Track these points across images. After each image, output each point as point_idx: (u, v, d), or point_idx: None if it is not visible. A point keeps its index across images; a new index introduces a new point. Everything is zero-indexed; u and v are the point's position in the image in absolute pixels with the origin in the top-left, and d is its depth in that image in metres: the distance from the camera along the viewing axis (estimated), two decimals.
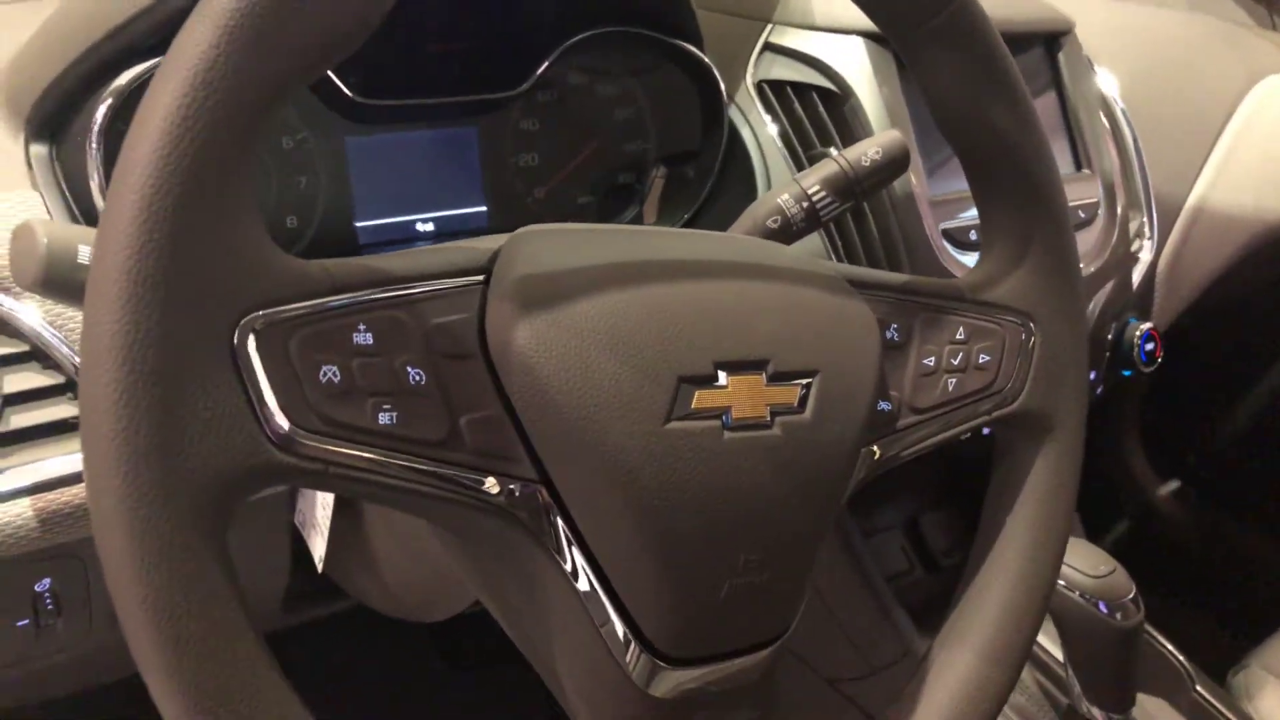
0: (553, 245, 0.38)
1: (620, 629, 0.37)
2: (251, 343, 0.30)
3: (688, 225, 0.71)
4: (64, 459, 0.48)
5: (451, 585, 0.55)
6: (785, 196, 0.53)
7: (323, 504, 0.56)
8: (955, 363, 0.48)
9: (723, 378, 0.38)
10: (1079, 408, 0.50)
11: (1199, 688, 0.84)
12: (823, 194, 0.53)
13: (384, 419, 0.33)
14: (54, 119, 0.54)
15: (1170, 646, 0.86)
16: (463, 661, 1.14)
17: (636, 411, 0.36)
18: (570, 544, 0.36)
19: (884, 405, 0.45)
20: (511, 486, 0.35)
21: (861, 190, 0.54)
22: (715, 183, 0.71)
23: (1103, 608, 0.66)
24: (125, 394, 0.28)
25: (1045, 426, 0.50)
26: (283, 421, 0.31)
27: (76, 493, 0.49)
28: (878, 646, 0.81)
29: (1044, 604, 0.50)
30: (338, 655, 1.03)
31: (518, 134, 0.67)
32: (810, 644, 0.84)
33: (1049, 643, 0.79)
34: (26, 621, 0.53)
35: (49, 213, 0.51)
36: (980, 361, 0.48)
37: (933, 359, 0.47)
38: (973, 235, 0.72)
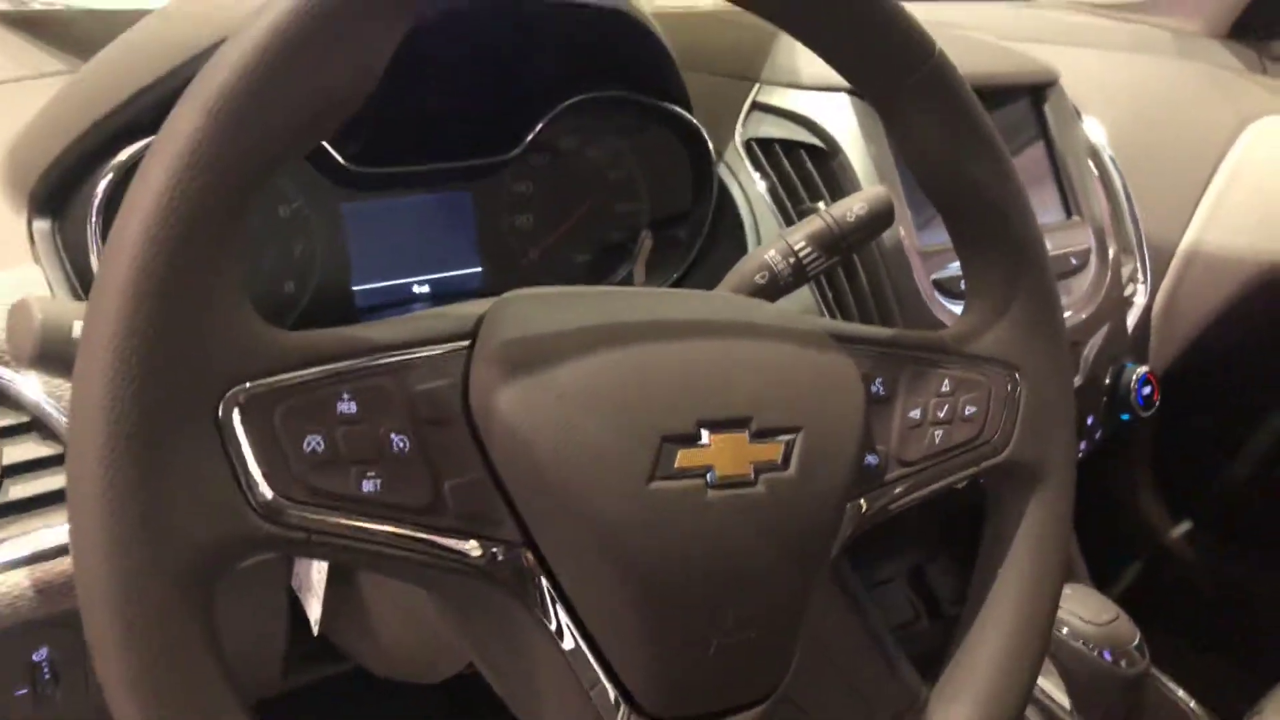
0: (536, 309, 0.39)
1: (610, 690, 0.38)
2: (236, 416, 0.31)
3: (678, 282, 0.72)
4: (62, 529, 0.49)
5: (446, 646, 0.55)
6: (772, 252, 0.54)
7: (317, 568, 0.56)
8: (941, 415, 0.48)
9: (705, 436, 0.38)
10: (1068, 456, 0.51)
11: None
12: (809, 249, 0.54)
13: (368, 486, 0.33)
14: (57, 194, 0.55)
15: (1181, 692, 0.85)
16: None
17: (619, 472, 0.36)
18: (555, 604, 0.37)
19: (871, 459, 0.46)
20: (494, 549, 0.36)
21: (847, 245, 0.55)
22: (706, 239, 0.72)
23: (1107, 655, 0.65)
24: (111, 468, 0.29)
25: (1035, 476, 0.50)
26: (267, 492, 0.31)
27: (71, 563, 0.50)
28: (883, 699, 0.80)
29: (1041, 652, 0.49)
30: (342, 717, 1.02)
31: (512, 196, 0.68)
32: (814, 698, 0.83)
33: (1056, 691, 0.78)
34: (25, 690, 0.53)
35: (50, 287, 0.52)
36: (966, 413, 0.49)
37: (919, 411, 0.47)
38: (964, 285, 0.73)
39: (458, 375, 0.36)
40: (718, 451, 0.38)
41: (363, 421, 0.34)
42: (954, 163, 0.46)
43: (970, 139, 0.47)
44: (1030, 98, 0.82)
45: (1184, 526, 1.34)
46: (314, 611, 0.58)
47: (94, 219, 0.52)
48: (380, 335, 0.35)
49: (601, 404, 0.37)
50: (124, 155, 0.53)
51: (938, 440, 0.48)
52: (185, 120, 0.31)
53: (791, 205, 0.72)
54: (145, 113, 0.53)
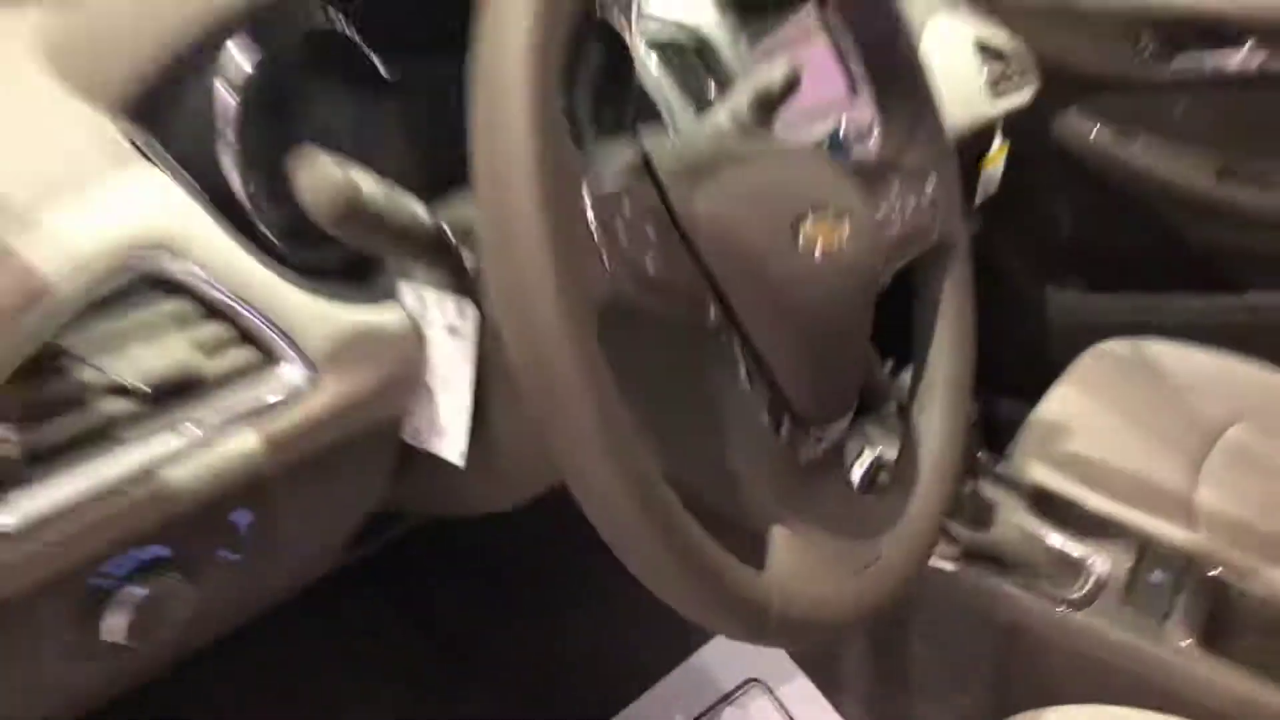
0: (686, 155, 0.58)
1: (777, 406, 0.55)
2: (589, 209, 0.45)
3: None
4: (278, 387, 0.56)
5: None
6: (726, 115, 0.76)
7: (453, 406, 0.62)
8: (895, 211, 0.65)
9: (809, 221, 0.55)
10: (966, 233, 0.70)
11: None
12: (753, 113, 0.77)
13: (650, 268, 0.48)
14: (152, 101, 0.56)
15: None
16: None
17: (779, 247, 0.54)
18: (741, 351, 0.54)
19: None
20: (703, 314, 0.52)
21: (773, 106, 0.76)
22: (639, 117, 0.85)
23: None
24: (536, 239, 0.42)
25: (952, 251, 0.69)
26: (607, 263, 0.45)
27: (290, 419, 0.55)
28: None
29: (970, 389, 0.69)
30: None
31: None
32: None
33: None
34: (225, 552, 0.58)
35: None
36: (908, 210, 0.65)
37: (883, 210, 0.63)
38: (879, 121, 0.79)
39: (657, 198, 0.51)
40: (814, 233, 0.55)
41: (634, 225, 0.48)
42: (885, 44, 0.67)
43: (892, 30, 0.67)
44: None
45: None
46: (454, 445, 0.62)
47: (233, 121, 0.56)
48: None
49: (759, 204, 0.55)
50: (246, 52, 0.56)
51: (897, 230, 0.64)
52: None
53: (693, 88, 0.90)
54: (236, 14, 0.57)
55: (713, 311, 0.52)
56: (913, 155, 0.68)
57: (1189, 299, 1.62)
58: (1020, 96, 1.55)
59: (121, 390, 0.51)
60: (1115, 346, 1.36)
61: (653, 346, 0.54)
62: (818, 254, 0.56)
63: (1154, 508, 1.04)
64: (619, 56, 0.80)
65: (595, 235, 0.45)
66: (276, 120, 0.58)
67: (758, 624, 0.50)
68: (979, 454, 1.01)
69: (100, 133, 0.54)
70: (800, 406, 0.56)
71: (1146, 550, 0.97)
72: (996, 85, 1.49)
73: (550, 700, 1.15)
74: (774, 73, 0.76)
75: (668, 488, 0.47)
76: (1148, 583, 0.94)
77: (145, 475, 0.51)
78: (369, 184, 0.49)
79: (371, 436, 0.61)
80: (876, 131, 0.71)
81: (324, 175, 0.48)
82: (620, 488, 0.44)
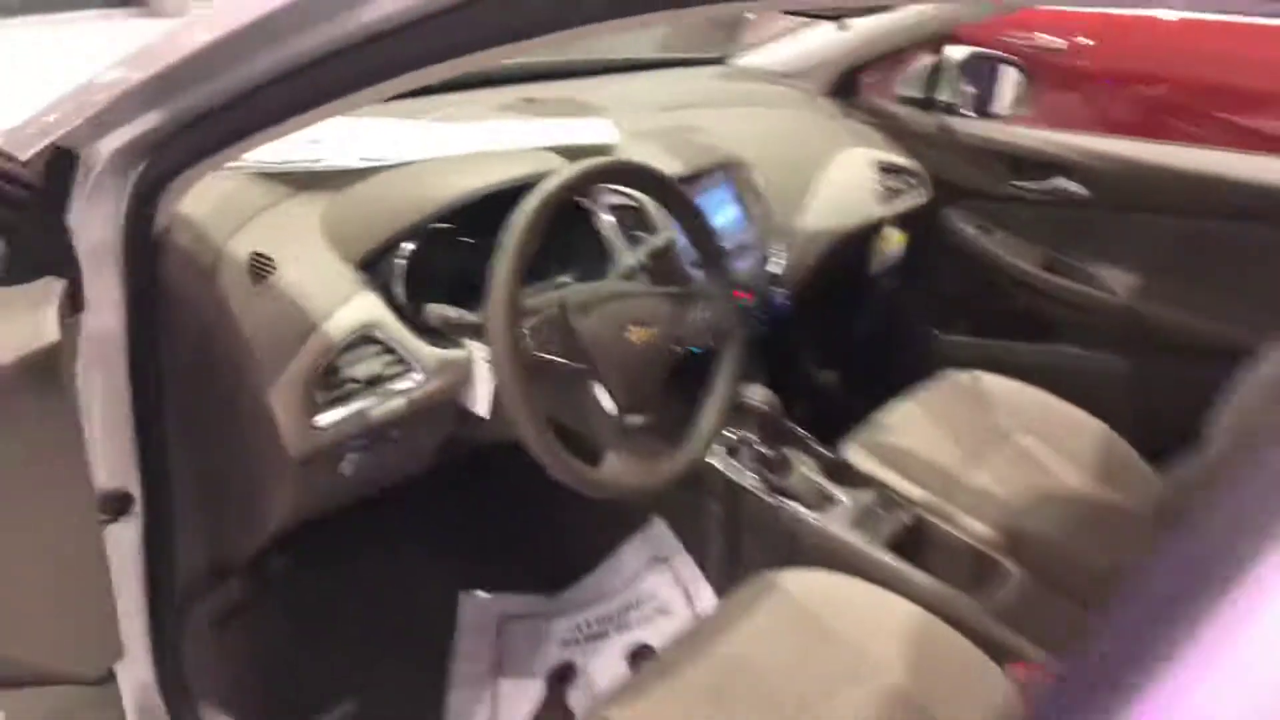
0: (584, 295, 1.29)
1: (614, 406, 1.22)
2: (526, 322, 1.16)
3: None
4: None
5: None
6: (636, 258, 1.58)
7: (485, 385, 1.29)
8: (699, 317, 1.34)
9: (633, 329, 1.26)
10: (740, 327, 1.40)
11: None
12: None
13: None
14: (375, 258, 1.22)
15: None
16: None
17: (619, 333, 1.23)
18: (597, 384, 1.23)
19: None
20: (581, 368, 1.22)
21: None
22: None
23: None
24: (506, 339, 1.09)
25: (727, 336, 1.37)
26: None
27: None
28: None
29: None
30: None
31: None
32: None
33: None
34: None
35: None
36: (707, 315, 1.34)
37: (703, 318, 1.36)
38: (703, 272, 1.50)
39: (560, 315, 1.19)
40: (633, 334, 1.23)
41: (548, 332, 1.17)
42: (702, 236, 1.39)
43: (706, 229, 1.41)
44: (724, 172, 1.86)
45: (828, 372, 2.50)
46: (483, 407, 1.29)
47: (402, 274, 1.24)
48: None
49: (612, 321, 1.22)
50: (411, 245, 1.24)
51: (697, 328, 1.32)
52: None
53: (629, 231, 1.49)
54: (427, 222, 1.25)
55: (582, 364, 1.19)
56: (711, 288, 1.38)
57: (1021, 347, 2.34)
58: (913, 200, 2.29)
59: (355, 380, 1.29)
60: (957, 375, 1.99)
61: (553, 377, 1.17)
62: (636, 343, 1.22)
63: (918, 477, 1.64)
64: (582, 216, 1.51)
65: (528, 336, 1.15)
66: (422, 271, 1.31)
67: (598, 489, 1.18)
68: (787, 428, 1.72)
69: (349, 276, 1.23)
70: (624, 403, 1.23)
71: (879, 494, 1.70)
72: (893, 192, 2.23)
73: (536, 566, 1.96)
74: (660, 240, 1.44)
75: (552, 432, 1.10)
76: (871, 512, 1.68)
77: (361, 413, 1.24)
78: (454, 312, 1.19)
79: (449, 401, 1.41)
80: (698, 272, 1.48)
81: (437, 312, 1.22)
82: (532, 432, 1.09)
